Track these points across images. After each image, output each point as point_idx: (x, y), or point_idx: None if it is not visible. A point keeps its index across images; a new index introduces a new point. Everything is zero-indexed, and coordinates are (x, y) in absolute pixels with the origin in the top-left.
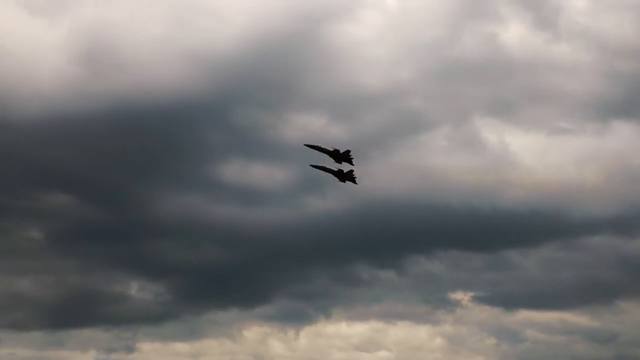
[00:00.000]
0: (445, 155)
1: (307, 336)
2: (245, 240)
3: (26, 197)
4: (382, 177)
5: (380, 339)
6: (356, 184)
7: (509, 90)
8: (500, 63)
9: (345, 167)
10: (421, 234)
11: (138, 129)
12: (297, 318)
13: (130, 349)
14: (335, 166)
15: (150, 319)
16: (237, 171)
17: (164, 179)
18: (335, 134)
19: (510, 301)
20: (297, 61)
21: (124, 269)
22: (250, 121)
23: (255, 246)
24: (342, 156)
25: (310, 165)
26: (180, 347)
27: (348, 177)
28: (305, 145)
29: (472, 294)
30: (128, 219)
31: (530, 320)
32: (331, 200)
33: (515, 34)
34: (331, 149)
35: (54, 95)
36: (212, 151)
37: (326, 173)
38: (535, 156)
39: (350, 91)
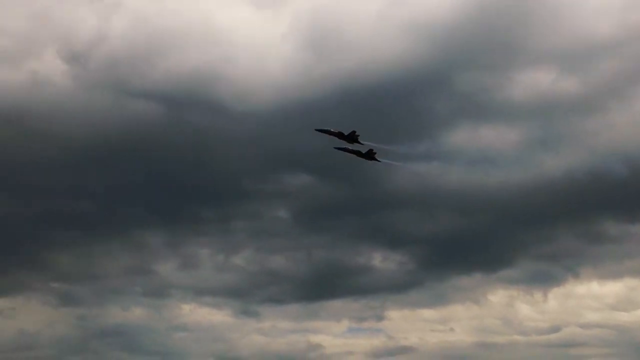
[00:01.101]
0: None
1: (556, 298)
2: (482, 204)
3: (272, 181)
4: (621, 128)
5: (637, 297)
6: (378, 161)
7: None
8: None
9: (364, 148)
10: None
11: (366, 105)
12: (543, 280)
13: (379, 317)
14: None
15: (396, 287)
16: (466, 136)
17: (398, 151)
18: (566, 88)
19: None
20: (517, 17)
21: (367, 242)
22: (476, 85)
23: (493, 210)
24: (349, 137)
25: (334, 148)
26: (428, 313)
27: (369, 156)
28: (315, 130)
29: None
30: (365, 194)
31: None
32: (566, 156)
33: None
34: (336, 132)
35: (285, 82)
36: (440, 119)
37: (350, 154)
38: None
39: (580, 41)
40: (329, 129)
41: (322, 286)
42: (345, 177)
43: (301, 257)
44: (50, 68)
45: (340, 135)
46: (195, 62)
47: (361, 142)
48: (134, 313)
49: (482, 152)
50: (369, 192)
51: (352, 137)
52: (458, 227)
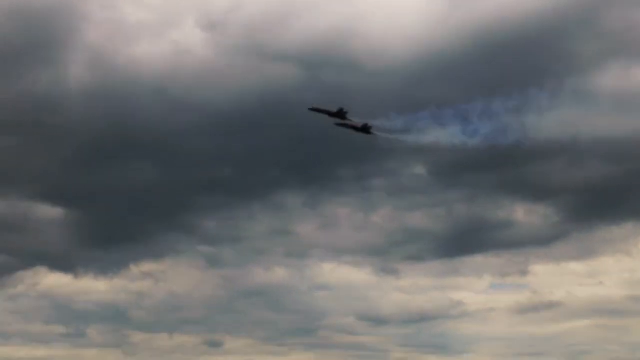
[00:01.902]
0: None
1: None
2: (633, 150)
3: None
4: None
5: None
6: (371, 134)
7: None
8: None
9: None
10: None
11: (505, 53)
12: None
13: (523, 273)
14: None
15: (540, 241)
16: (614, 78)
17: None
18: None
19: None
20: None
21: (508, 195)
22: (625, 22)
23: None
24: (339, 114)
25: (336, 124)
26: (575, 266)
27: (365, 130)
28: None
29: None
30: (507, 145)
31: None
32: None
33: None
34: (326, 110)
35: (420, 35)
36: (585, 61)
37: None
38: None
39: None
40: (319, 107)
41: (462, 242)
42: (485, 126)
43: (440, 213)
44: (190, 37)
45: (330, 113)
46: (330, 21)
47: (349, 118)
48: (276, 273)
49: (632, 94)
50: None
51: (341, 114)
52: (606, 175)
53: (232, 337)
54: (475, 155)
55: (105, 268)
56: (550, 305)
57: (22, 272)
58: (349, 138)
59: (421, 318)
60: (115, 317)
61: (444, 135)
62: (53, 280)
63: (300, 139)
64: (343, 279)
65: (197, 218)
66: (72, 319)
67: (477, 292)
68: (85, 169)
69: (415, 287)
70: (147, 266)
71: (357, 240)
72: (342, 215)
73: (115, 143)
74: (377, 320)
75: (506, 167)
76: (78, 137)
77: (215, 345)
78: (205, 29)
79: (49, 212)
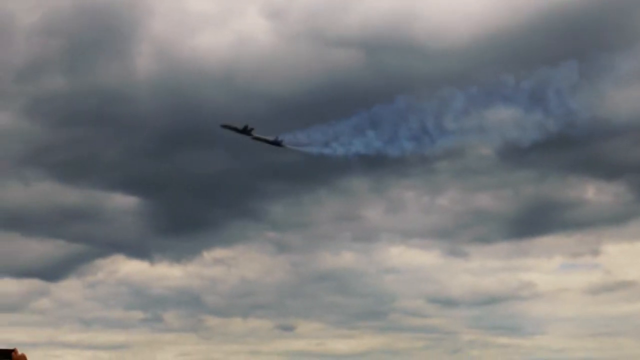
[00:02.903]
0: None
1: None
2: None
3: (474, 117)
4: None
5: None
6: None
7: None
8: None
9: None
10: None
11: (575, 28)
12: None
13: (595, 252)
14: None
15: (613, 220)
16: None
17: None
18: None
19: None
20: None
21: (578, 174)
22: None
23: None
24: (245, 131)
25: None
26: None
27: (277, 143)
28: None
29: None
30: (576, 122)
31: None
32: None
33: None
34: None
35: (483, 13)
36: None
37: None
38: None
39: None
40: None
41: (531, 223)
42: (549, 108)
43: (508, 194)
44: (253, 26)
45: (237, 130)
46: (390, 2)
47: (255, 135)
48: (344, 258)
49: None
50: (581, 121)
51: (246, 131)
52: None
53: (303, 321)
54: (543, 134)
55: (179, 255)
56: (625, 285)
57: (100, 260)
58: (409, 121)
59: (491, 299)
60: (189, 302)
61: (511, 114)
62: (130, 268)
63: (365, 123)
64: (411, 262)
65: (265, 204)
66: (149, 305)
67: (548, 272)
68: (156, 158)
69: (484, 269)
70: (219, 252)
71: (424, 223)
72: (408, 199)
73: (183, 132)
74: (447, 303)
75: (576, 146)
76: (148, 127)
77: (287, 329)
78: (268, 17)
79: (124, 201)
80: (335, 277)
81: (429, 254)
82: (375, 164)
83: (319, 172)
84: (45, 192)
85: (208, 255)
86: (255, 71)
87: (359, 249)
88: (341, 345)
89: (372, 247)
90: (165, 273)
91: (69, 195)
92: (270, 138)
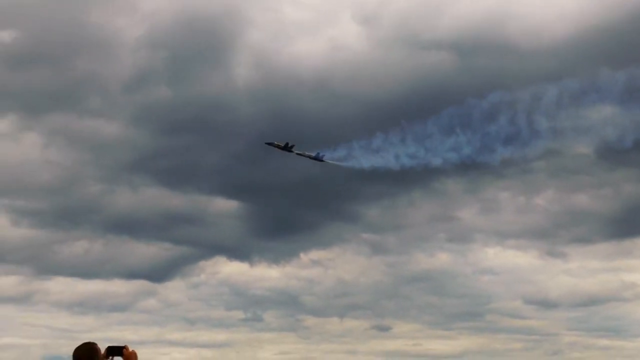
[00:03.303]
0: None
1: None
2: None
3: (571, 117)
4: None
5: None
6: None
7: None
8: None
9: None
10: None
11: None
12: None
13: None
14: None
15: None
16: None
17: None
18: None
19: None
20: None
21: None
22: None
23: None
24: (287, 148)
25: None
26: None
27: (318, 159)
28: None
29: None
30: None
31: None
32: None
33: None
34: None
35: (580, 10)
36: None
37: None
38: None
39: None
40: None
41: (633, 222)
42: None
43: (607, 193)
44: (346, 32)
45: (279, 147)
46: (483, 4)
47: (296, 151)
48: (439, 259)
49: None
50: None
51: (287, 148)
52: None
53: (399, 321)
54: None
55: (277, 257)
56: None
57: (203, 261)
58: (510, 121)
59: (592, 301)
60: (288, 302)
61: (609, 112)
62: (231, 269)
63: (459, 125)
64: (508, 263)
65: (360, 207)
66: (249, 305)
67: None
68: (255, 163)
69: (584, 270)
70: (316, 254)
71: (520, 223)
72: (504, 199)
73: (280, 138)
74: (545, 304)
75: None
76: (247, 133)
77: (383, 329)
78: (360, 23)
79: (225, 205)
80: (431, 278)
81: (526, 255)
82: (470, 165)
83: (414, 174)
84: (152, 197)
85: (305, 256)
86: (349, 76)
87: (454, 250)
88: (438, 345)
89: (467, 248)
90: (264, 274)
91: (174, 200)
92: (312, 154)
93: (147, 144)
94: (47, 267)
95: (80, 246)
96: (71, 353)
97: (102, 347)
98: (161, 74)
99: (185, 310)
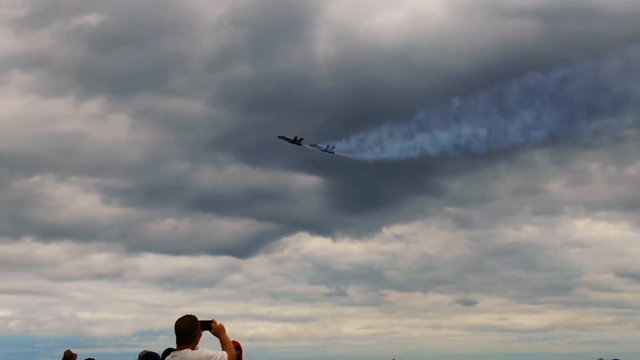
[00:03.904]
0: None
1: None
2: None
3: None
4: None
5: None
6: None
7: None
8: None
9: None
10: None
11: None
12: None
13: None
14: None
15: None
16: None
17: None
18: None
19: None
20: None
21: None
22: None
23: None
24: (296, 142)
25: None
26: None
27: (329, 151)
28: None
29: None
30: None
31: None
32: None
33: None
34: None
35: None
36: None
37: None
38: None
39: None
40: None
41: None
42: None
43: None
44: (426, 2)
45: (289, 140)
46: None
47: (304, 144)
48: (525, 232)
49: None
50: None
51: (296, 141)
52: None
53: (484, 296)
54: None
55: (359, 232)
56: None
57: (286, 237)
58: (593, 88)
59: None
60: (371, 277)
61: None
62: (314, 244)
63: (547, 95)
64: (598, 235)
65: (444, 180)
66: (332, 280)
67: None
68: (336, 137)
69: None
70: (398, 229)
71: (611, 194)
72: (594, 170)
73: (362, 112)
74: (638, 277)
75: None
76: (328, 108)
77: (468, 304)
78: None
79: (307, 181)
80: (517, 251)
81: (617, 227)
82: (557, 136)
83: (498, 146)
84: (235, 174)
85: (387, 231)
86: (431, 47)
87: (540, 223)
88: (525, 320)
89: (554, 220)
90: (346, 249)
91: (257, 177)
92: (322, 147)
93: (230, 122)
94: (137, 244)
95: (168, 223)
96: (162, 327)
97: None
98: (242, 51)
99: (269, 285)
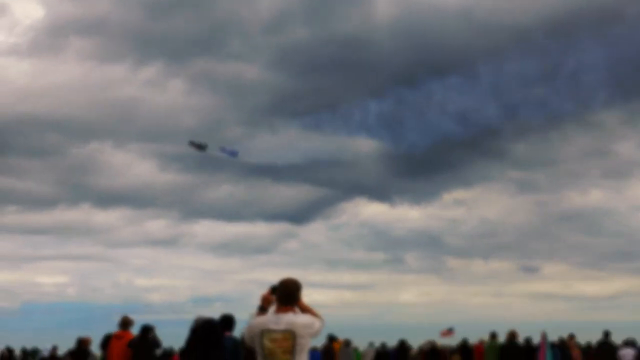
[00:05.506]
0: None
1: None
2: None
3: None
4: None
5: None
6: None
7: None
8: None
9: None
10: None
11: None
12: None
13: None
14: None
15: None
16: None
17: None
18: None
19: None
20: None
21: None
22: None
23: None
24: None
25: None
26: None
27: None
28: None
29: None
30: None
31: None
32: None
33: None
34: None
35: None
36: None
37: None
38: None
39: None
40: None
41: None
42: None
43: None
44: None
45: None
46: None
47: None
48: (592, 196)
49: None
50: None
51: (202, 148)
52: None
53: (547, 262)
54: None
55: (418, 197)
56: None
57: (344, 203)
58: None
59: None
60: (429, 243)
61: None
62: (371, 210)
63: (617, 54)
64: None
65: (507, 143)
66: (390, 246)
67: None
68: (395, 101)
69: None
70: (459, 194)
71: None
72: None
73: (423, 72)
74: None
75: None
76: (387, 70)
77: (530, 270)
78: None
79: (365, 145)
80: (583, 216)
81: None
82: (630, 94)
83: (565, 106)
84: (291, 139)
85: (448, 196)
86: (495, 3)
87: (609, 187)
88: (589, 287)
89: (623, 184)
90: (405, 215)
91: (314, 142)
92: (227, 150)
93: (287, 86)
94: (193, 210)
95: (224, 190)
96: (218, 293)
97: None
98: (299, 14)
99: (325, 251)
